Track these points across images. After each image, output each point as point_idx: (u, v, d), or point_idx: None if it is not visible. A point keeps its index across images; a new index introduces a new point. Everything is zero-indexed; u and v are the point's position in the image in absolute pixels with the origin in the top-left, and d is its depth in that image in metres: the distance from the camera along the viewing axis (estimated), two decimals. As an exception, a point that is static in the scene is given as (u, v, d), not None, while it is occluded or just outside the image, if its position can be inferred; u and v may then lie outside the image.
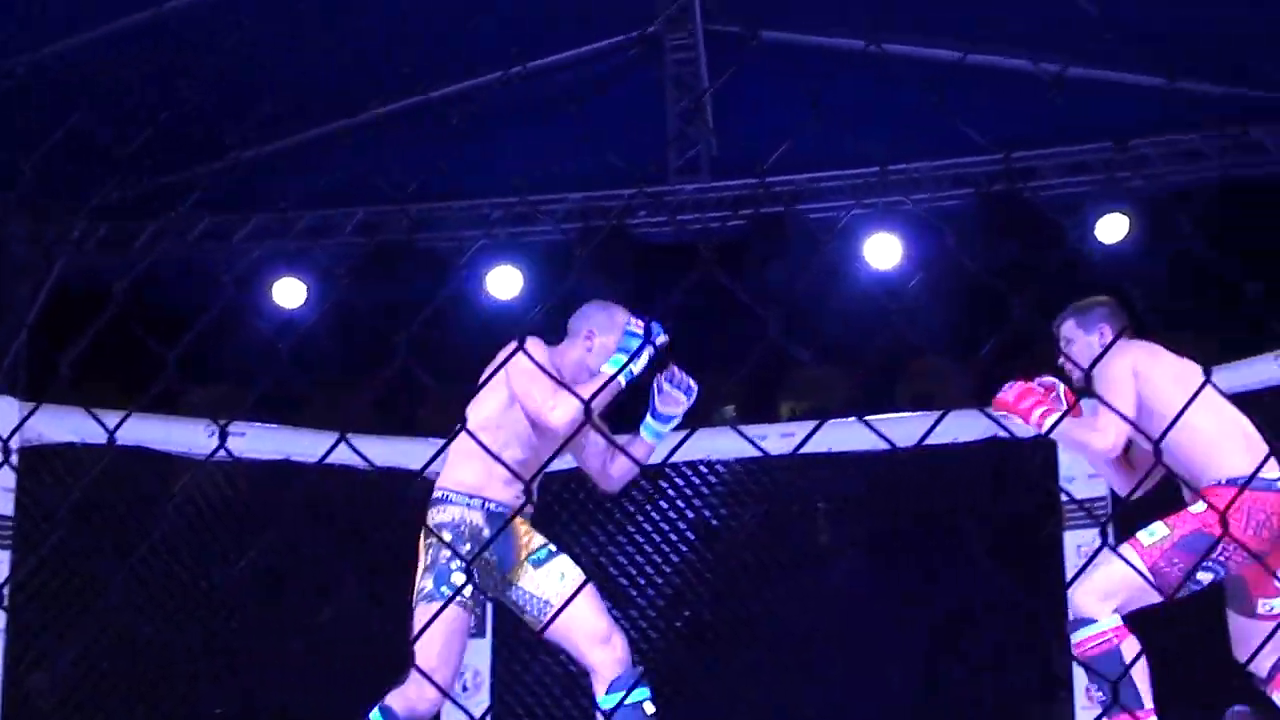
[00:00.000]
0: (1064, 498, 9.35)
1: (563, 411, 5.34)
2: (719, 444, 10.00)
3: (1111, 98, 10.05)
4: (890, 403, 10.87)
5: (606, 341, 5.67)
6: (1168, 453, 5.32)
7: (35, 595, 9.02)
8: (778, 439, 9.42)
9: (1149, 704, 5.13)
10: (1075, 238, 10.25)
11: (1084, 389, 5.98)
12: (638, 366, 5.48)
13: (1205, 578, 5.27)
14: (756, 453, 9.76)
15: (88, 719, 9.30)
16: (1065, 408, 5.70)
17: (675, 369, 5.69)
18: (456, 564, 5.32)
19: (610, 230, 11.42)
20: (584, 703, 10.09)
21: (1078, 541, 9.16)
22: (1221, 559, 5.24)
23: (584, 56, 10.82)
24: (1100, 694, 5.58)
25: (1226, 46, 8.37)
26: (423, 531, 5.46)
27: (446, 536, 5.35)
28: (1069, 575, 9.16)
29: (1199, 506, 5.29)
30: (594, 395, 5.28)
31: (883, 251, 10.63)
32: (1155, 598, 5.20)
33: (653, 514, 10.67)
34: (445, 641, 5.23)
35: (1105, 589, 5.24)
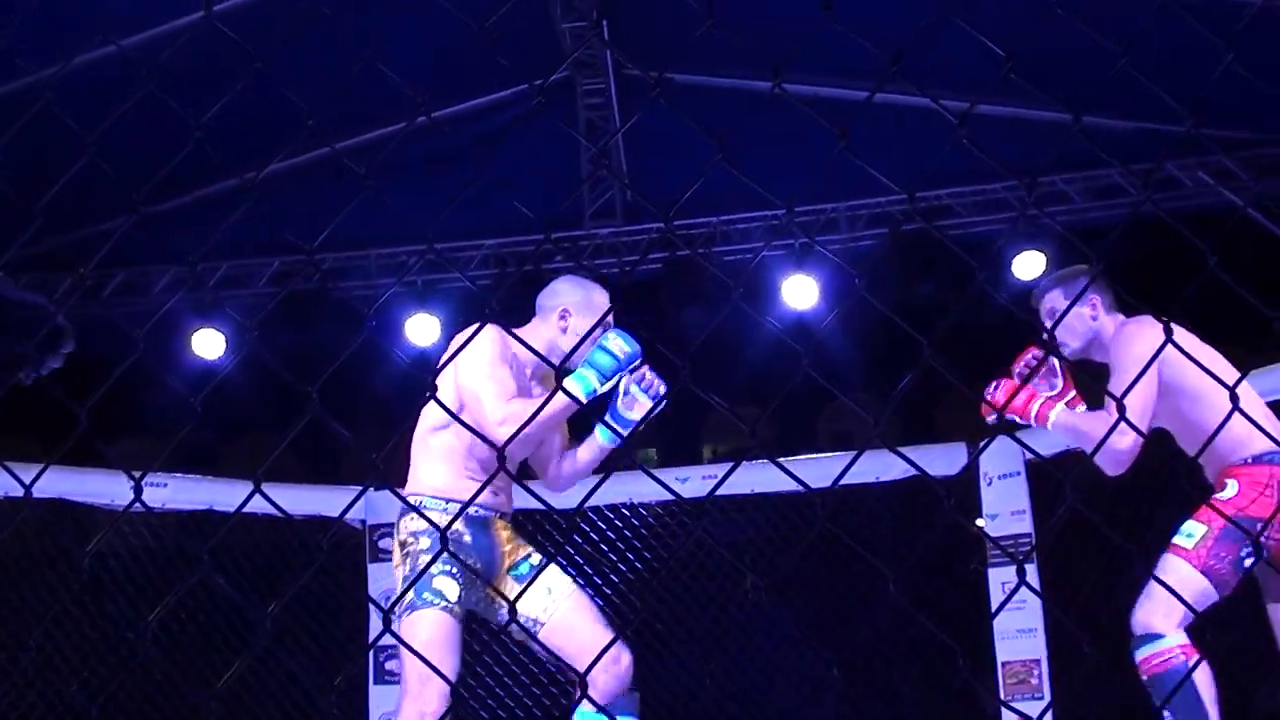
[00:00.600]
0: (990, 532, 9.37)
1: (509, 428, 4.65)
2: (641, 487, 9.99)
3: (1026, 136, 10.16)
4: (811, 442, 10.91)
5: (580, 325, 5.12)
6: (1191, 432, 5.19)
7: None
8: (700, 481, 9.41)
9: None
10: (991, 275, 10.33)
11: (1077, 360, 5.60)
12: (606, 388, 4.88)
13: (1250, 563, 4.99)
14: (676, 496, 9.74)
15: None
16: (1062, 384, 5.49)
17: (647, 371, 5.05)
18: (438, 568, 4.78)
19: (524, 275, 11.42)
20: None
21: (1002, 578, 9.17)
22: (1265, 538, 5.03)
23: (498, 103, 10.83)
24: (1167, 715, 4.84)
25: (1139, 82, 8.46)
26: (395, 545, 5.01)
27: (425, 543, 4.85)
28: (993, 611, 9.19)
29: (1229, 490, 5.07)
30: (533, 416, 4.36)
31: (799, 292, 10.69)
32: (1214, 597, 4.94)
33: (576, 557, 10.63)
34: (435, 654, 4.65)
35: (1167, 602, 4.86)
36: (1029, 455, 9.27)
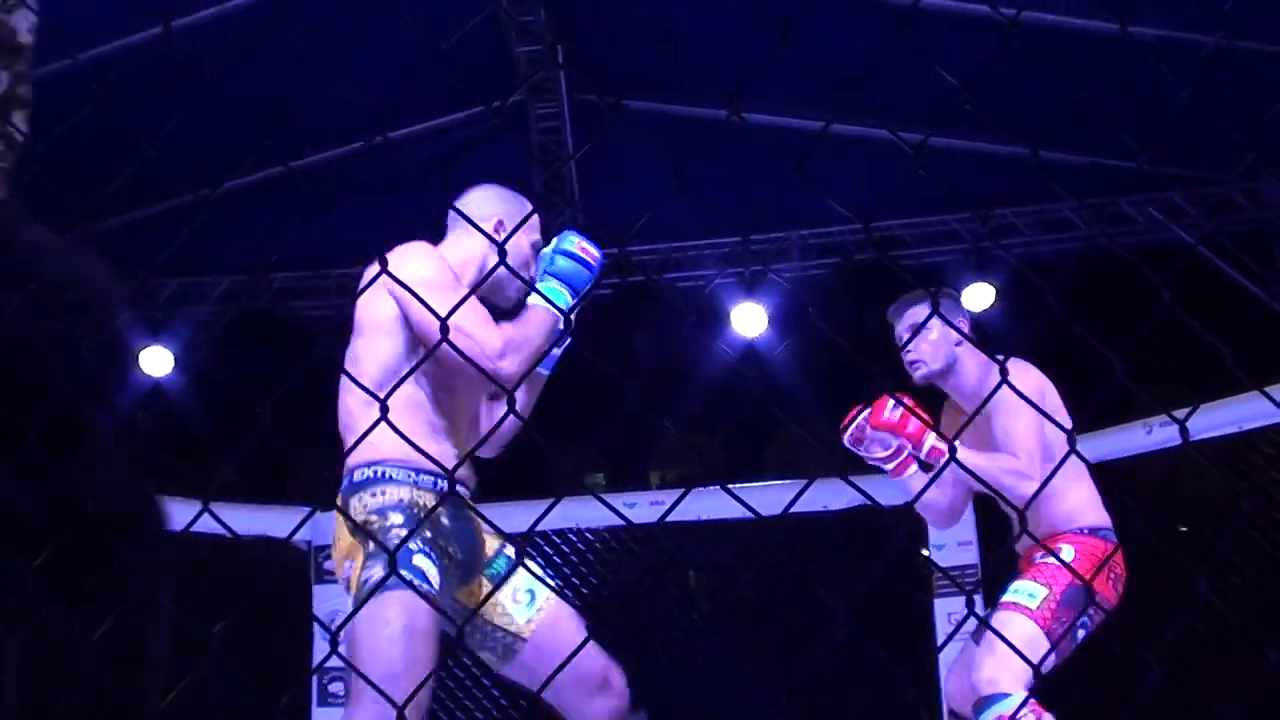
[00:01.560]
0: (937, 563, 9.39)
1: (517, 360, 3.88)
2: (587, 512, 9.97)
3: (979, 168, 10.20)
4: (759, 470, 10.92)
5: (521, 241, 4.26)
6: (1025, 499, 4.71)
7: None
8: (647, 507, 9.39)
9: None
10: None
11: (929, 384, 5.43)
12: (577, 303, 4.13)
13: (1080, 635, 4.87)
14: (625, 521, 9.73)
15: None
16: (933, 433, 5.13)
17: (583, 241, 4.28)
18: (416, 545, 3.72)
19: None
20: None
21: (948, 609, 9.20)
22: (1091, 613, 4.90)
23: (449, 125, 10.82)
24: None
25: (1091, 118, 8.52)
26: (342, 540, 3.88)
27: (398, 519, 3.77)
28: (939, 642, 9.21)
29: (1067, 555, 4.92)
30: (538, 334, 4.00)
31: (749, 320, 10.71)
32: (1053, 661, 4.73)
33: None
34: (412, 643, 3.57)
35: (1013, 660, 4.58)
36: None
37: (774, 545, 9.95)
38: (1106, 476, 8.14)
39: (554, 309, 4.01)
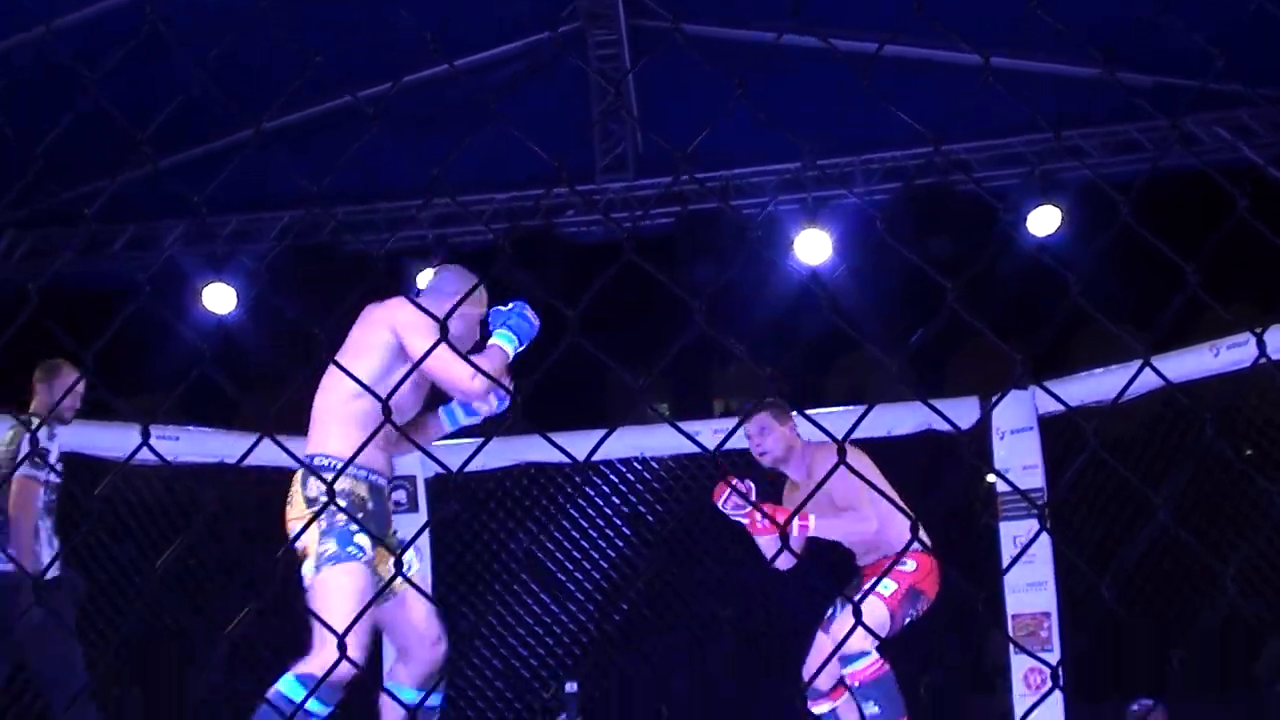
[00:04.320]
0: (1000, 488, 9.36)
1: (482, 382, 5.21)
2: (651, 441, 9.99)
3: (1045, 90, 10.10)
4: (823, 397, 10.88)
5: (470, 312, 5.54)
6: (872, 539, 6.80)
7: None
8: (711, 435, 9.39)
9: (905, 712, 6.61)
10: (1007, 231, 10.29)
11: (774, 470, 7.21)
12: (521, 349, 5.47)
13: (907, 622, 6.77)
14: (688, 449, 9.74)
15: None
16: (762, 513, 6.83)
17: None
18: (355, 525, 5.08)
19: (537, 230, 11.39)
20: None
21: (1013, 532, 9.18)
22: (919, 607, 6.79)
23: (507, 55, 10.79)
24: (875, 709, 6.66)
25: (1157, 35, 8.40)
26: (297, 503, 5.27)
27: (340, 503, 5.07)
28: (1004, 565, 9.19)
29: (910, 566, 6.72)
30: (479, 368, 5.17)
31: (812, 246, 10.65)
32: (887, 631, 6.57)
33: (588, 510, 10.66)
34: (360, 601, 4.92)
35: (865, 632, 6.18)
36: (1042, 411, 9.28)
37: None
38: (1176, 397, 8.11)
39: (505, 348, 5.42)
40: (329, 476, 5.02)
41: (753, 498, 6.88)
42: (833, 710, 6.98)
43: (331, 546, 5.08)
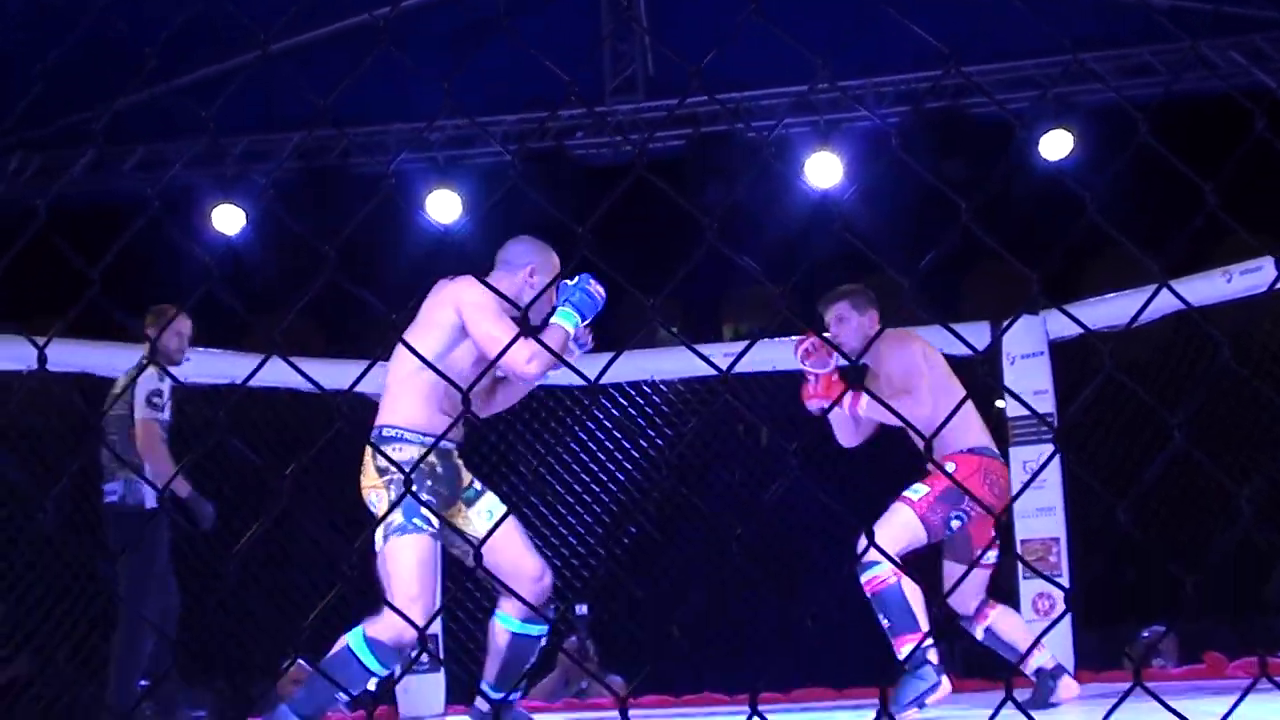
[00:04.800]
0: (1010, 413, 9.35)
1: (539, 365, 5.43)
2: (661, 364, 9.99)
3: (1057, 12, 10.03)
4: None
5: (540, 281, 5.68)
6: (927, 424, 6.26)
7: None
8: (721, 359, 9.34)
9: (924, 626, 6.35)
10: (1017, 154, 10.26)
11: (853, 362, 7.27)
12: (584, 325, 5.59)
13: (956, 524, 6.56)
14: (698, 373, 9.76)
15: (32, 644, 9.36)
16: (833, 364, 6.80)
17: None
18: (424, 496, 5.30)
19: (548, 150, 11.36)
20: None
21: (1023, 457, 9.18)
22: (966, 509, 6.53)
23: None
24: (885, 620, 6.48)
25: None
26: (370, 472, 5.45)
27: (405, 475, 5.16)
28: (1014, 491, 9.20)
29: (950, 467, 6.52)
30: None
31: (823, 169, 10.61)
32: (923, 539, 6.50)
33: (597, 432, 10.68)
34: (423, 572, 5.28)
35: (889, 536, 6.34)
36: (1053, 336, 9.27)
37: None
38: (1189, 322, 8.09)
39: (565, 328, 5.48)
40: (397, 447, 5.36)
41: (832, 363, 6.82)
42: (988, 628, 6.87)
43: (398, 518, 5.28)
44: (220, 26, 9.49)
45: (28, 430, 9.35)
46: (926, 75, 11.03)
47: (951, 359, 6.78)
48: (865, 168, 10.66)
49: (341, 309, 9.43)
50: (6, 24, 8.86)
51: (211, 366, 9.23)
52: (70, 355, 8.68)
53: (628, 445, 10.65)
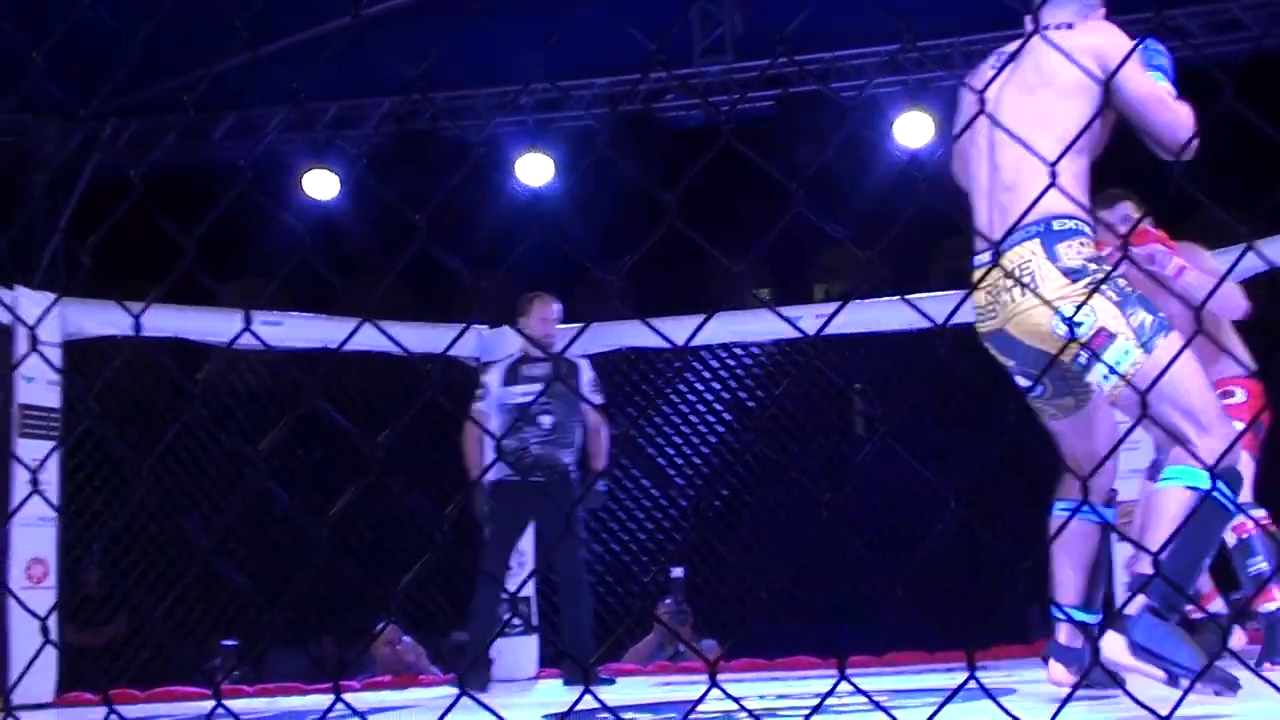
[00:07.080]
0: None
1: (1188, 131, 4.26)
2: (752, 327, 9.98)
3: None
4: (925, 282, 10.83)
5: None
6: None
7: (83, 485, 9.12)
8: (812, 320, 9.37)
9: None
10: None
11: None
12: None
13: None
14: (789, 334, 9.74)
15: (127, 605, 9.50)
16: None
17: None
18: (1132, 290, 4.23)
19: (637, 114, 11.35)
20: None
21: (1118, 417, 9.09)
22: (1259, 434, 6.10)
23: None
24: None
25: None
26: (1046, 282, 4.24)
27: (1108, 268, 4.16)
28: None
29: (1240, 397, 6.17)
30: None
31: (914, 129, 10.55)
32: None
33: (689, 395, 10.69)
34: (1195, 364, 4.15)
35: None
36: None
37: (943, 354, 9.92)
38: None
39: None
40: (1081, 242, 4.26)
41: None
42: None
43: (1142, 315, 4.15)
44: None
45: (123, 395, 9.47)
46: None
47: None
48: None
49: (431, 273, 9.48)
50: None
51: (304, 331, 9.30)
52: (165, 320, 8.79)
53: (719, 407, 10.65)
